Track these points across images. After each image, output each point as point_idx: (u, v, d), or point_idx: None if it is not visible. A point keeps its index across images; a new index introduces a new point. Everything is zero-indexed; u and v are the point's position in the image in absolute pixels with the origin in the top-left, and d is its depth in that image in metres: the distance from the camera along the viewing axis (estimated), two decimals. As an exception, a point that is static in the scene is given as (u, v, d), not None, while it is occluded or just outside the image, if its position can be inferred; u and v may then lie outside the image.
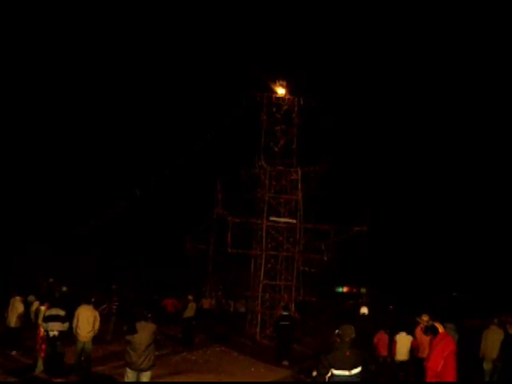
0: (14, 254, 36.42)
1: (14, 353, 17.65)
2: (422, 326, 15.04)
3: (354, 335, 8.61)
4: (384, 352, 16.05)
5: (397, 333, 15.29)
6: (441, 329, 11.62)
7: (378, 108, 48.58)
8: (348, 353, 8.44)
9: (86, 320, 14.93)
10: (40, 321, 15.44)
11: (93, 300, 17.22)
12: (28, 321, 18.39)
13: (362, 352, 8.81)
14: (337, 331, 8.71)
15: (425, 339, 14.25)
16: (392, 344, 15.65)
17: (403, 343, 15.19)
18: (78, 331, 14.90)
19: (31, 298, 18.90)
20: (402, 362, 15.25)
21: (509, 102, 46.39)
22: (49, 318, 14.94)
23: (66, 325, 14.95)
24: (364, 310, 17.81)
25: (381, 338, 16.13)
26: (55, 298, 18.32)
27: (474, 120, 47.36)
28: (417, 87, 50.35)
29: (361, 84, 50.19)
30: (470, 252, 39.98)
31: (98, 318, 15.27)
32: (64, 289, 22.87)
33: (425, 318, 15.57)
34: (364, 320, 17.35)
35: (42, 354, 15.12)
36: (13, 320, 18.09)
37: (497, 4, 50.46)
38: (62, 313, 15.08)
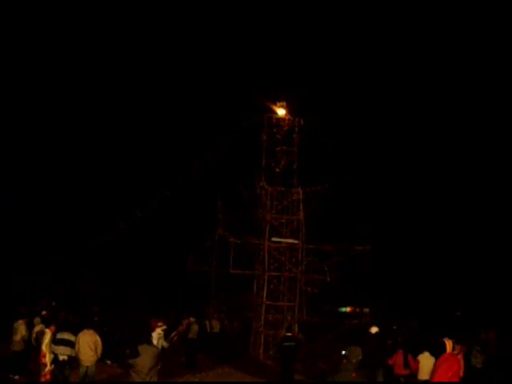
0: (15, 278, 36.30)
1: (17, 377, 17.58)
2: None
3: (361, 357, 8.53)
4: (400, 371, 16.09)
5: (420, 353, 15.25)
6: (449, 347, 11.57)
7: (378, 125, 48.70)
8: (354, 375, 8.37)
9: (87, 345, 14.90)
10: (44, 344, 15.40)
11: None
12: (31, 344, 18.32)
13: (368, 374, 8.75)
14: (343, 352, 8.65)
15: None
16: (408, 363, 15.66)
17: (426, 363, 15.17)
18: (80, 356, 14.88)
19: (37, 320, 18.76)
20: (425, 382, 15.26)
21: (509, 102, 46.31)
22: (59, 342, 14.93)
23: (75, 350, 14.94)
24: (375, 330, 17.70)
25: (397, 358, 16.19)
26: (62, 321, 18.21)
27: (472, 134, 47.44)
28: (417, 103, 50.50)
29: (360, 102, 50.35)
30: (472, 270, 39.90)
31: (100, 343, 15.20)
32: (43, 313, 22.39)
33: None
34: (375, 339, 17.27)
35: (44, 379, 15.07)
36: (16, 344, 18.02)
37: (497, 4, 50.66)
38: (72, 338, 15.07)
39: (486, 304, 38.12)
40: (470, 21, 50.90)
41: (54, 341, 15.00)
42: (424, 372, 15.23)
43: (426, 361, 15.24)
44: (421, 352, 15.15)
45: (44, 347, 15.32)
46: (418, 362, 15.23)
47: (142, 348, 10.96)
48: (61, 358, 14.83)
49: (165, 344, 18.59)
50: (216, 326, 27.00)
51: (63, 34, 52.97)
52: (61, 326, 15.68)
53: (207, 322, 26.09)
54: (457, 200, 45.10)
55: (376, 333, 17.64)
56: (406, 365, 15.84)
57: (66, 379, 15.15)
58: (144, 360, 10.83)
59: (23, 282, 36.47)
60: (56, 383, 15.07)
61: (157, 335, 18.24)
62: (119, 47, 54.42)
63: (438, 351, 12.32)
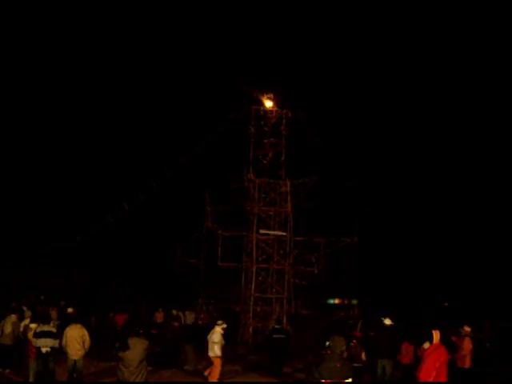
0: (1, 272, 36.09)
1: (7, 371, 17.52)
2: (467, 337, 16.00)
3: (344, 347, 8.61)
4: (406, 361, 16.26)
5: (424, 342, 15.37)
6: (436, 338, 11.63)
7: (366, 117, 48.78)
8: (338, 364, 8.43)
9: (75, 339, 14.86)
10: (30, 337, 15.41)
11: None
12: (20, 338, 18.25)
13: (352, 364, 8.82)
14: (327, 343, 8.71)
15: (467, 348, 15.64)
16: (417, 352, 15.83)
17: None
18: (68, 350, 14.85)
19: (28, 313, 18.67)
20: None
21: (509, 104, 46.55)
22: (40, 334, 14.88)
23: (58, 341, 14.90)
24: (388, 322, 17.78)
25: (406, 347, 16.36)
26: (45, 314, 18.16)
27: (467, 128, 47.65)
28: (407, 96, 50.64)
29: (349, 94, 50.42)
30: (460, 261, 40.10)
31: (88, 337, 15.17)
32: (70, 310, 22.09)
33: (467, 328, 16.08)
34: (388, 331, 17.36)
35: (32, 355, 15.12)
36: (6, 338, 17.96)
37: (496, 4, 50.81)
38: (53, 329, 15.05)
39: (474, 294, 38.39)
40: (470, 21, 51.06)
41: (35, 334, 14.98)
42: None
43: None
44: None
45: (30, 338, 15.37)
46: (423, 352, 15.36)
47: (131, 341, 10.93)
48: (43, 350, 14.77)
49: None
50: (191, 317, 26.63)
51: (62, 33, 52.79)
52: (41, 319, 15.65)
53: (181, 314, 25.87)
54: (443, 191, 45.33)
55: (390, 325, 17.72)
56: (415, 356, 16.02)
57: (52, 372, 15.08)
58: (134, 353, 10.79)
59: (10, 275, 36.31)
60: (41, 377, 15.04)
61: (219, 334, 17.19)
62: (108, 39, 54.21)
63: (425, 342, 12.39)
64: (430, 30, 56.78)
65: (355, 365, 16.41)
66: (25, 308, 20.83)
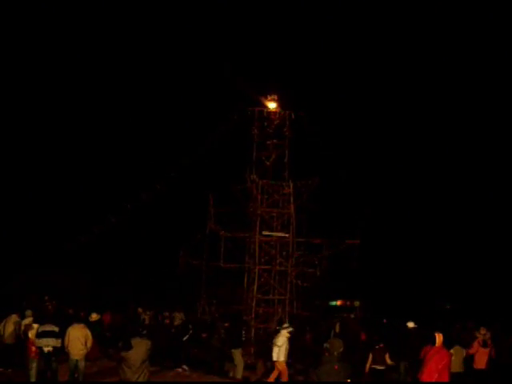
0: (5, 272, 36.19)
1: (9, 371, 17.56)
2: (479, 339, 16.21)
3: (342, 349, 8.63)
4: None
5: (452, 346, 15.36)
6: (439, 340, 11.65)
7: (370, 119, 48.81)
8: (336, 366, 8.47)
9: (77, 339, 14.91)
10: (32, 337, 15.45)
11: None
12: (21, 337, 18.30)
13: (350, 365, 8.85)
14: (325, 345, 8.74)
15: (482, 351, 16.00)
16: None
17: (458, 356, 15.32)
18: (70, 349, 14.89)
19: (28, 312, 18.73)
20: (459, 374, 15.43)
21: (509, 104, 46.50)
22: (42, 334, 14.93)
23: (60, 341, 14.95)
24: (411, 325, 17.71)
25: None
26: (49, 315, 18.24)
27: (467, 128, 47.57)
28: (409, 99, 50.60)
29: (352, 96, 50.41)
30: (462, 263, 40.06)
31: (90, 337, 15.21)
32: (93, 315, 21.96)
33: (482, 331, 16.16)
34: (412, 334, 17.33)
35: (33, 354, 15.15)
36: (8, 337, 18.01)
37: (496, 4, 50.80)
38: (55, 329, 15.10)
39: (475, 297, 38.34)
40: (470, 21, 51.04)
41: (37, 334, 15.02)
42: (457, 365, 15.40)
43: (457, 353, 15.43)
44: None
45: (32, 338, 15.41)
46: (450, 355, 15.37)
47: (134, 341, 10.93)
48: (46, 349, 14.81)
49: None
50: (179, 318, 26.27)
51: (62, 33, 52.89)
52: (43, 319, 15.71)
53: (167, 314, 25.62)
54: (446, 194, 45.28)
55: (413, 327, 17.69)
56: None
57: (54, 373, 15.13)
58: (136, 353, 10.79)
59: (11, 275, 36.39)
60: (44, 376, 15.10)
61: (284, 337, 16.49)
62: (110, 40, 54.30)
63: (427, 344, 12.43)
64: (430, 29, 56.76)
65: (378, 367, 16.41)
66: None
